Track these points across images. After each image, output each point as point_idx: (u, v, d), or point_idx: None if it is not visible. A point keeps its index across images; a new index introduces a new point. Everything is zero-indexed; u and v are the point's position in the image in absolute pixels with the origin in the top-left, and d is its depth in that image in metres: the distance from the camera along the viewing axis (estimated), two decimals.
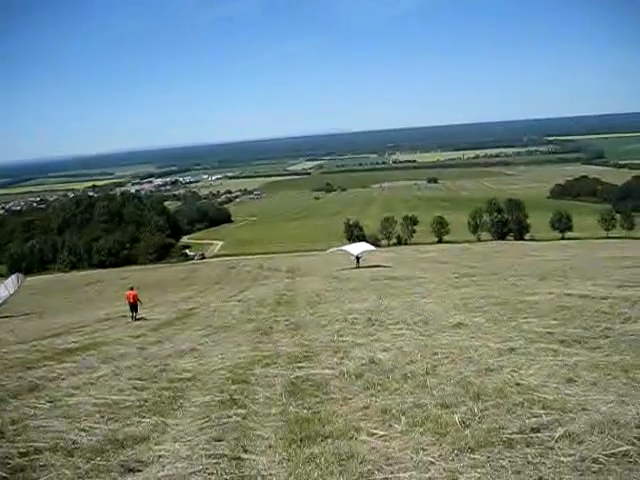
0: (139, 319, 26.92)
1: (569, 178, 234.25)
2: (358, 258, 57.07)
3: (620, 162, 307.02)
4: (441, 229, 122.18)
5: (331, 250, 71.48)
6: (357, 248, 60.04)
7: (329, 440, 7.01)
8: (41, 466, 6.87)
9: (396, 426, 7.25)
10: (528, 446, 6.02)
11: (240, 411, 8.72)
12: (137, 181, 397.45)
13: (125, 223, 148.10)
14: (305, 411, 8.42)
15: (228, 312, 25.57)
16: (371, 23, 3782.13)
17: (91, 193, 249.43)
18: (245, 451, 6.99)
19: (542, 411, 7.03)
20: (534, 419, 6.77)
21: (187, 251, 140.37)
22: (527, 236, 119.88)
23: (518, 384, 8.34)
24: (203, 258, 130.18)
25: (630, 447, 5.53)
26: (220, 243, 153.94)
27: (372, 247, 64.28)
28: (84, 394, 10.83)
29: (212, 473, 6.27)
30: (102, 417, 9.05)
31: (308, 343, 14.22)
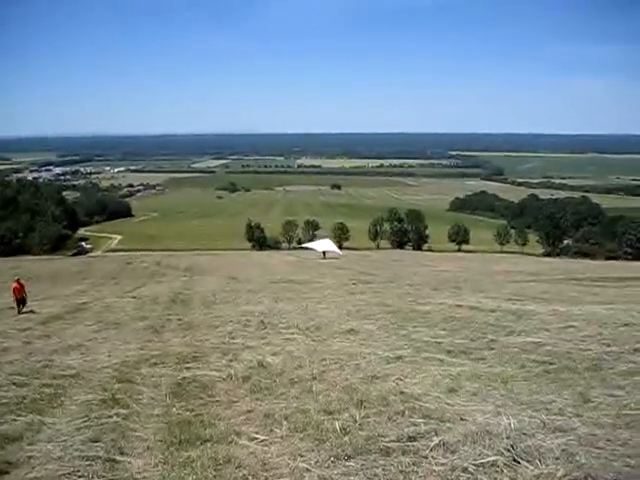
0: (27, 312, 25.85)
1: (469, 192, 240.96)
2: (324, 253, 71.62)
3: (518, 180, 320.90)
4: (342, 235, 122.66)
5: (302, 245, 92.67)
6: (322, 246, 74.95)
7: (208, 444, 6.98)
8: None
9: (277, 431, 7.27)
10: (403, 454, 6.13)
11: (121, 411, 8.56)
12: (35, 168, 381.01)
13: (20, 211, 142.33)
14: (188, 413, 8.36)
15: (121, 308, 24.98)
16: (283, 25, 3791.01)
17: None
18: (121, 453, 6.87)
19: (421, 420, 7.17)
20: (413, 427, 6.90)
21: (83, 244, 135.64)
22: (425, 246, 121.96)
23: (402, 392, 8.48)
24: (81, 253, 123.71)
25: (499, 457, 5.70)
26: (118, 237, 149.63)
27: (336, 249, 76.22)
28: None
29: (83, 475, 6.12)
30: None
31: (198, 344, 14.11)
